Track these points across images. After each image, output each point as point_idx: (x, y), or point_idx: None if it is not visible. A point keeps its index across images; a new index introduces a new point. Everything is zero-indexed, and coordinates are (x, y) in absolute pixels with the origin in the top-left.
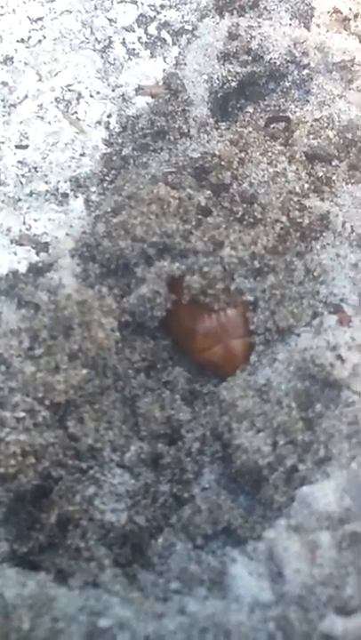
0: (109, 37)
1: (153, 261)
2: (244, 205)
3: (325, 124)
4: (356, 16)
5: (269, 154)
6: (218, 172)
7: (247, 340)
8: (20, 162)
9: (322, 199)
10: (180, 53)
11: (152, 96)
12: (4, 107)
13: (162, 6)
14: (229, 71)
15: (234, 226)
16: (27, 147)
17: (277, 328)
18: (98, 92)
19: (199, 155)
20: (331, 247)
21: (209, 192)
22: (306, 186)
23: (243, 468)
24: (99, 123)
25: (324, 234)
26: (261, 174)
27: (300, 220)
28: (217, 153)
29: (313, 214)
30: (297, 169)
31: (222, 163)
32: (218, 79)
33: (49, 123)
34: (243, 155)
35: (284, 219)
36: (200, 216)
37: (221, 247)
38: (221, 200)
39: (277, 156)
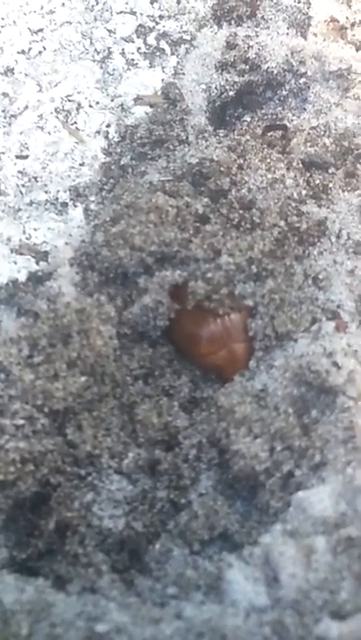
0: (109, 48)
1: (152, 270)
2: (242, 211)
3: (322, 132)
4: (352, 25)
5: (268, 161)
6: (217, 177)
7: (249, 344)
8: (20, 172)
9: (319, 206)
10: (178, 63)
11: (151, 106)
12: (5, 117)
13: (160, 17)
14: (227, 80)
15: (231, 232)
16: (27, 157)
17: (276, 334)
18: (97, 102)
19: (197, 160)
20: (328, 253)
21: (207, 200)
22: (303, 192)
23: (240, 474)
24: (98, 132)
25: (321, 240)
26: (260, 180)
27: (297, 225)
28: (215, 159)
29: (310, 220)
30: (295, 176)
31: (221, 168)
32: (216, 88)
33: (49, 133)
34: (241, 161)
35: (281, 223)
36: (198, 224)
37: (219, 254)
38: (220, 207)
39: (276, 163)
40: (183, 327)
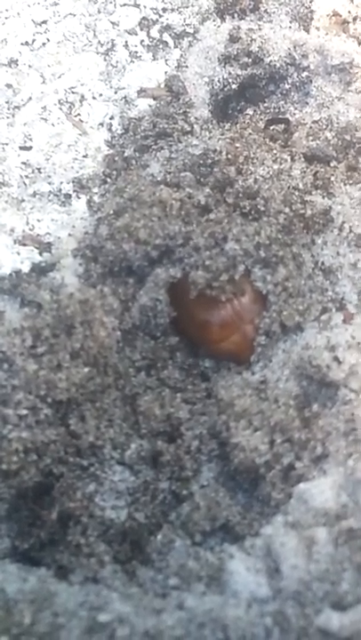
0: (112, 40)
1: (156, 263)
2: (248, 201)
3: (324, 126)
4: (355, 19)
5: (274, 151)
6: (223, 166)
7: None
8: (23, 163)
9: (323, 197)
10: (181, 56)
11: (154, 98)
12: (9, 109)
13: (164, 10)
14: (230, 73)
15: (236, 220)
16: (30, 148)
17: (283, 327)
18: (100, 95)
19: (201, 152)
20: (331, 245)
21: (209, 190)
22: (309, 183)
23: (240, 467)
24: (101, 124)
25: (326, 229)
26: (266, 170)
27: (302, 212)
28: (218, 149)
29: (315, 208)
30: (300, 168)
31: (229, 156)
32: (219, 81)
33: (52, 124)
34: (246, 153)
35: (286, 210)
36: (201, 216)
37: (225, 241)
38: (226, 196)
39: (281, 154)
40: (192, 317)
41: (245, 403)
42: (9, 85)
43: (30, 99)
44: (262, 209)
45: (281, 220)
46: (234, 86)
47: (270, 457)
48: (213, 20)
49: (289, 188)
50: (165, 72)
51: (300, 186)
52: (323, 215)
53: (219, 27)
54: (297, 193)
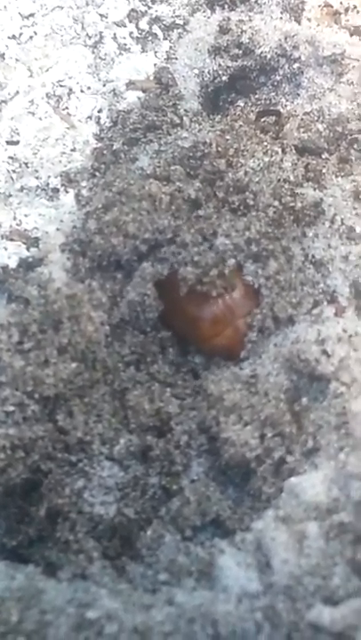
0: (100, 33)
1: (145, 257)
2: (237, 195)
3: (316, 118)
4: (346, 10)
5: (265, 143)
6: (212, 159)
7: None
8: (10, 157)
9: (314, 189)
10: (171, 48)
11: (143, 91)
12: None
13: (153, 1)
14: (220, 65)
15: (225, 215)
16: (17, 142)
17: (276, 322)
18: (89, 88)
19: (190, 144)
20: (323, 238)
21: (198, 184)
22: (300, 175)
23: (231, 462)
24: (89, 118)
25: (317, 221)
26: (256, 163)
27: (292, 205)
28: (208, 141)
29: (305, 200)
30: (291, 160)
31: (219, 149)
32: (209, 73)
33: (40, 118)
34: (236, 145)
35: (276, 203)
36: (191, 211)
37: (215, 237)
38: (216, 190)
39: (271, 146)
40: (183, 313)
41: (235, 397)
42: None
43: (17, 92)
44: (251, 203)
45: (271, 214)
46: (224, 78)
47: (261, 451)
48: (203, 12)
49: (279, 180)
50: (155, 64)
51: (291, 178)
52: (314, 207)
53: (209, 18)
54: (287, 185)
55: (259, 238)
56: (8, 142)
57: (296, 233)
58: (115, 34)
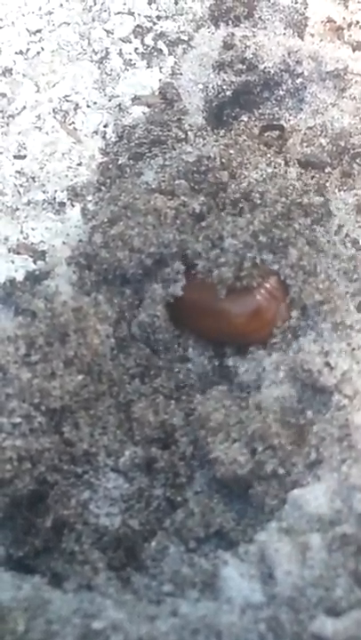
0: (106, 48)
1: (151, 271)
2: (242, 200)
3: (319, 132)
4: (349, 25)
5: (268, 156)
6: (216, 171)
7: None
8: (17, 172)
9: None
10: (175, 63)
11: (148, 106)
12: (3, 117)
13: (158, 17)
14: (224, 80)
15: (225, 218)
16: (24, 157)
17: (303, 310)
18: (95, 103)
19: (195, 159)
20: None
21: (203, 198)
22: (304, 185)
23: (224, 480)
24: (95, 132)
25: (325, 221)
26: (259, 174)
27: (299, 201)
28: (212, 156)
29: (312, 199)
30: (294, 173)
31: (223, 160)
32: (213, 88)
33: (46, 133)
34: (239, 158)
35: (283, 199)
36: (195, 225)
37: (222, 240)
38: (219, 201)
39: (275, 159)
40: (221, 315)
41: (220, 416)
42: (3, 94)
43: (24, 107)
44: (258, 202)
45: (279, 209)
46: (228, 93)
47: (253, 466)
48: (208, 27)
49: (284, 187)
50: (160, 79)
51: (298, 187)
52: (321, 207)
53: (213, 34)
54: (292, 188)
55: (264, 229)
56: (15, 157)
57: (306, 223)
58: (120, 49)
